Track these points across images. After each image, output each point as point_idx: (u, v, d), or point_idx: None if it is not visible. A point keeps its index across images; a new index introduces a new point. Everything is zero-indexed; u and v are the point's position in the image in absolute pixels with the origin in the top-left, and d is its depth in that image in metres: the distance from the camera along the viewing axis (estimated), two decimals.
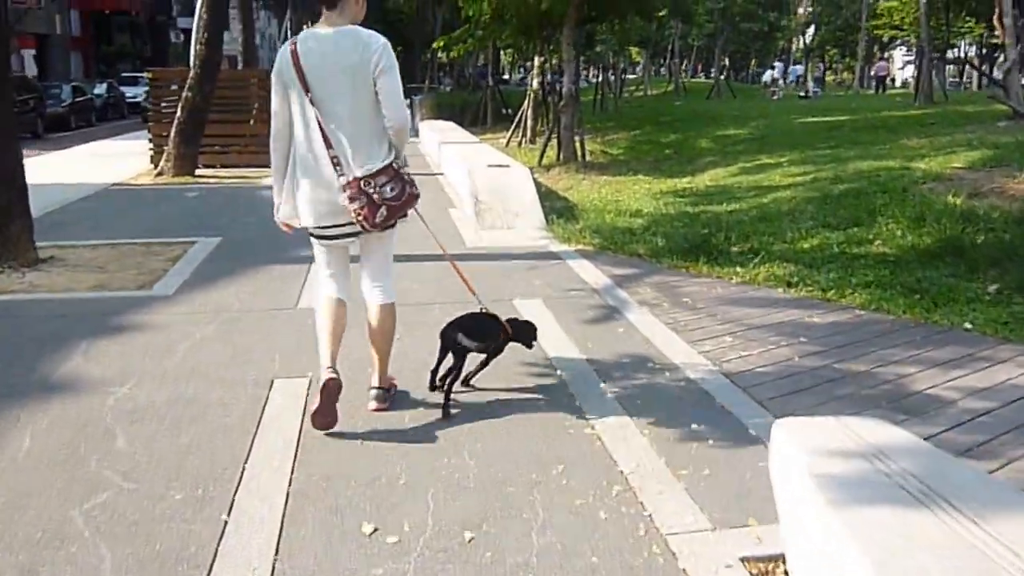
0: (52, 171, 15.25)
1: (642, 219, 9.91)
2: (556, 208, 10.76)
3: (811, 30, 71.67)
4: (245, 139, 15.98)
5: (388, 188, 3.95)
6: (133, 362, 5.07)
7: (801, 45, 76.02)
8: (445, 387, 4.29)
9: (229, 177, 14.42)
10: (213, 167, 15.52)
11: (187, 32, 54.97)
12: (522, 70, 62.47)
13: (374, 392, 4.35)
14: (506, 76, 58.30)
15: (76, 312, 6.17)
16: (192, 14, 47.73)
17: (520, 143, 19.22)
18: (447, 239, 8.44)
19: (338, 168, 3.92)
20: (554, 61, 22.59)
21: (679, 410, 4.32)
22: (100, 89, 34.96)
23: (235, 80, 16.48)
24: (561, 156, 15.11)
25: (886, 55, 61.72)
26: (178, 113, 14.33)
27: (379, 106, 3.94)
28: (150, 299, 6.60)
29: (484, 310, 4.51)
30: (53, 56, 43.06)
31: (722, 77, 40.72)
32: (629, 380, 4.79)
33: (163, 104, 15.51)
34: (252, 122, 15.92)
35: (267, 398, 4.50)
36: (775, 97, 35.82)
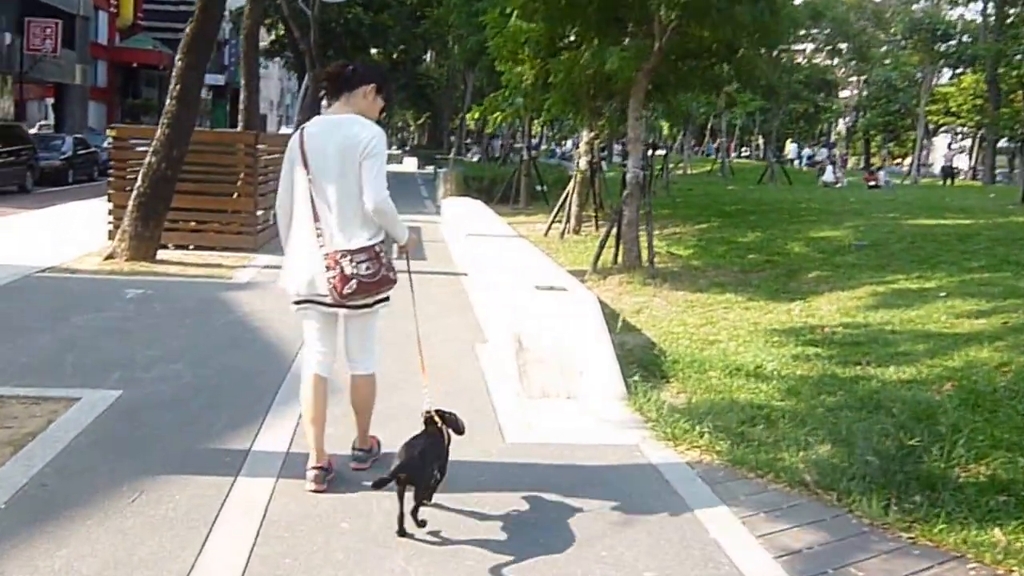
0: None
1: (769, 385, 6.64)
2: (632, 353, 7.50)
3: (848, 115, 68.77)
4: (227, 215, 12.86)
5: (364, 266, 4.26)
6: None
7: (840, 128, 73.27)
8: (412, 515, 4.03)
9: (197, 265, 11.26)
10: (184, 247, 12.40)
11: (216, 89, 53.43)
12: (553, 143, 59.91)
13: (355, 453, 4.78)
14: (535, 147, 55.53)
15: None
16: (222, 71, 45.69)
17: (563, 232, 16.00)
18: (476, 415, 5.60)
19: (319, 239, 4.29)
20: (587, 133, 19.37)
21: None
22: (108, 142, 32.08)
23: (219, 144, 13.41)
24: (622, 259, 11.85)
25: (951, 145, 58.71)
26: (138, 182, 11.22)
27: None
28: None
29: (429, 413, 4.38)
30: (70, 106, 40.97)
31: (774, 160, 37.48)
32: None
33: (128, 169, 12.38)
34: (236, 195, 12.80)
35: None
36: (839, 186, 32.66)
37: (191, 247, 12.51)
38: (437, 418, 4.36)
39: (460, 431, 4.48)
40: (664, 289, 10.75)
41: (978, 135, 57.12)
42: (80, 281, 9.81)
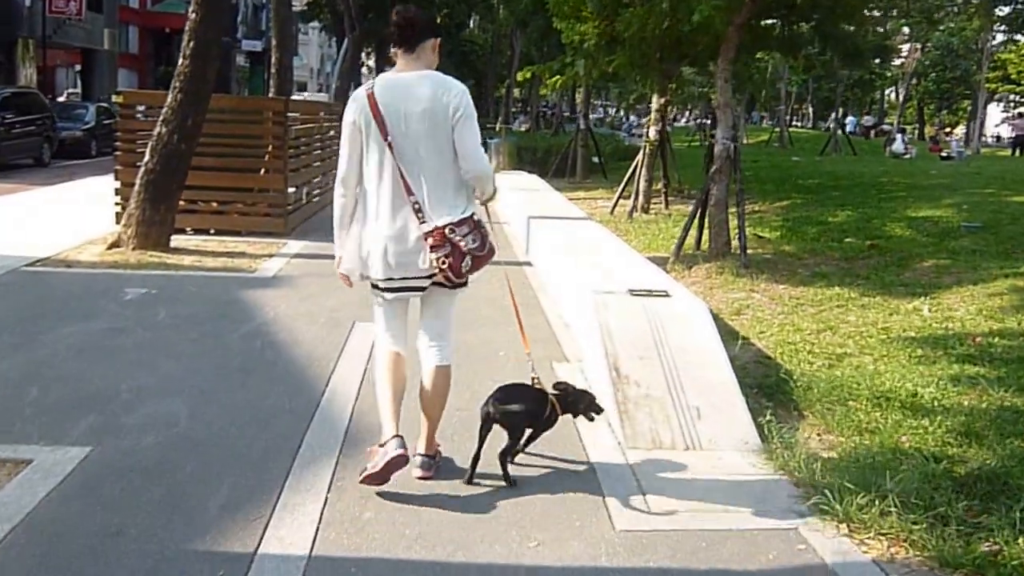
0: None
1: (935, 423, 5.06)
2: (749, 374, 5.91)
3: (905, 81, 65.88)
4: (252, 195, 11.31)
5: (470, 239, 3.83)
6: None
7: (894, 96, 70.38)
8: (500, 460, 4.05)
9: (216, 255, 9.72)
10: (204, 232, 10.89)
11: (254, 55, 51.71)
12: (601, 110, 57.94)
13: (420, 459, 4.13)
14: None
15: None
16: (259, 37, 43.86)
17: (631, 211, 14.28)
18: (568, 482, 4.30)
19: (420, 215, 3.81)
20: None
21: None
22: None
23: (243, 111, 11.81)
24: (707, 245, 10.15)
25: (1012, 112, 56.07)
26: (146, 157, 9.68)
27: (455, 154, 3.82)
28: None
29: (535, 381, 4.26)
30: (99, 73, 39.55)
31: (839, 129, 35.17)
32: None
33: (138, 142, 10.84)
34: (263, 171, 11.24)
35: None
36: (907, 156, 30.47)
37: (212, 231, 11.01)
38: (553, 392, 4.28)
39: (588, 414, 4.37)
40: (761, 282, 9.05)
41: None
42: (74, 277, 8.29)
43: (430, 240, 3.79)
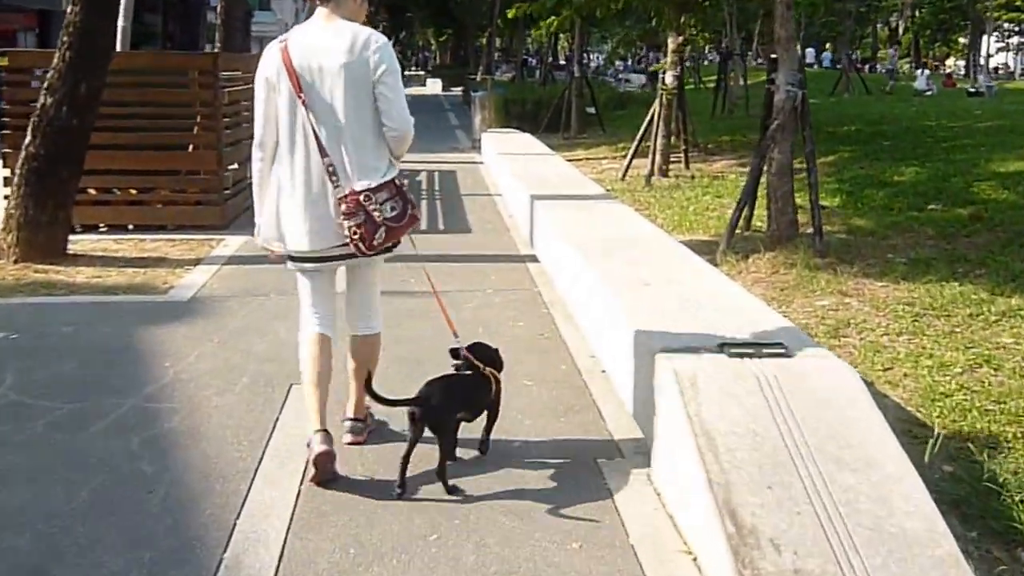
0: None
1: None
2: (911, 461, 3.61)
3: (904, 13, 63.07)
4: (180, 179, 8.94)
5: (388, 206, 3.54)
6: None
7: (891, 29, 67.61)
8: (437, 474, 3.45)
9: (126, 263, 7.44)
10: (121, 229, 8.59)
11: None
12: (597, 57, 55.22)
13: (349, 424, 3.90)
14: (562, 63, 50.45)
15: None
16: None
17: (649, 175, 11.90)
18: None
19: (333, 179, 3.53)
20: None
21: None
22: None
23: (163, 71, 9.30)
24: (769, 224, 7.83)
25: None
26: (27, 138, 7.32)
27: (379, 113, 3.55)
28: None
29: (463, 354, 3.70)
30: (57, 36, 36.53)
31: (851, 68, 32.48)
32: None
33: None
34: (191, 148, 8.87)
35: None
36: (929, 93, 28.11)
37: (130, 227, 8.66)
38: (471, 357, 3.69)
39: (492, 363, 3.77)
40: (849, 277, 6.79)
41: None
42: None
43: (343, 206, 3.51)
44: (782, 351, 3.68)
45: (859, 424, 3.25)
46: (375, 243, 3.51)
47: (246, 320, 5.78)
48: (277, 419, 4.22)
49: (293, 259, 3.73)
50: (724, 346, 3.70)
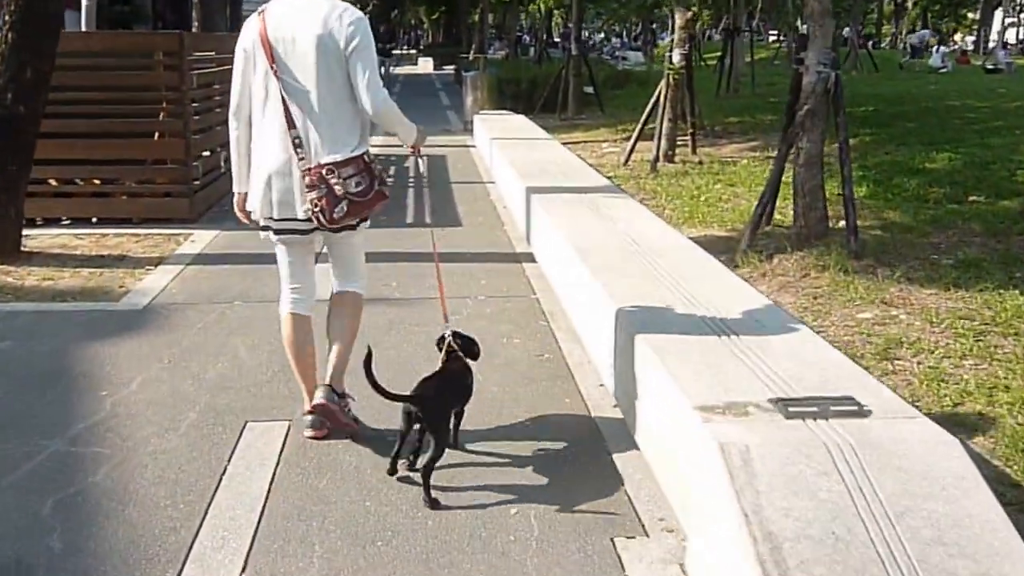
0: None
1: None
2: None
3: None
4: (145, 169, 8.15)
5: (353, 182, 3.49)
6: None
7: (897, 4, 66.51)
8: (423, 473, 3.26)
9: (83, 261, 6.76)
10: (84, 222, 7.90)
11: None
12: (592, 34, 54.12)
13: (322, 390, 3.71)
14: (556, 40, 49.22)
15: None
16: None
17: (655, 162, 11.09)
18: None
19: (299, 151, 3.50)
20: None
21: None
22: None
23: (124, 53, 8.45)
24: (796, 220, 7.04)
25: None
26: None
27: (351, 88, 3.51)
28: None
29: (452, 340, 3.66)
30: None
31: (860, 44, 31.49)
32: None
33: None
34: (157, 136, 8.07)
35: None
36: (943, 70, 27.20)
37: (94, 220, 7.92)
38: (456, 348, 3.67)
39: (474, 356, 3.77)
40: (891, 283, 6.01)
41: None
42: None
43: (307, 179, 3.48)
44: (854, 407, 2.91)
45: (976, 522, 2.47)
46: (335, 216, 3.47)
47: (203, 335, 5.06)
48: (224, 470, 3.53)
49: (264, 227, 3.68)
50: (779, 402, 2.93)
